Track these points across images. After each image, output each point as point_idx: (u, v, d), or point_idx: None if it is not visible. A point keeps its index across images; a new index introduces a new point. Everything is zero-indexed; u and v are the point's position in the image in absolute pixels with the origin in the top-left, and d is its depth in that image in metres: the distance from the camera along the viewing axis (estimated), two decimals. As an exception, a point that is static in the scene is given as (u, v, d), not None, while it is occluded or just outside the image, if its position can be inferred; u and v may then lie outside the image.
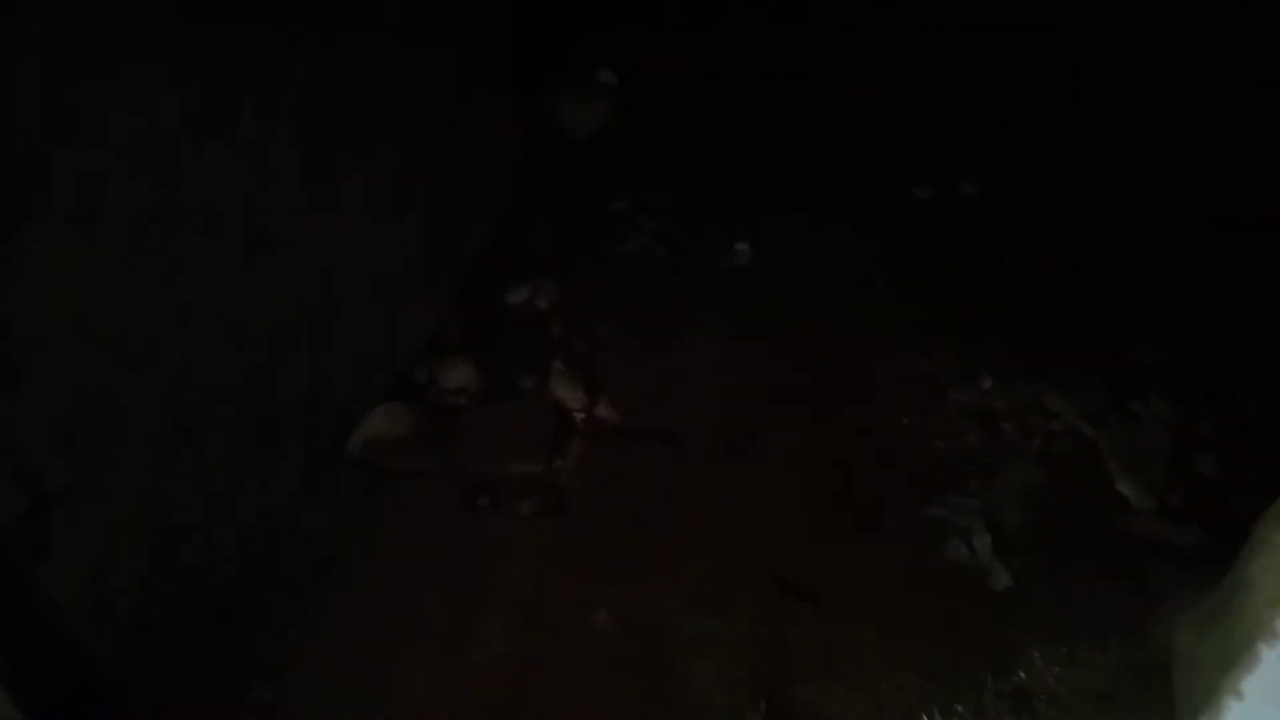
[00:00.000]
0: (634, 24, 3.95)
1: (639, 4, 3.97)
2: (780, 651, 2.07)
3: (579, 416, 2.75)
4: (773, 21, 3.98)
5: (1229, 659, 1.46)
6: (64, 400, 1.77)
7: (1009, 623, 2.08)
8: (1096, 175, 3.35)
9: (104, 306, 1.80)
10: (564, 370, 2.85)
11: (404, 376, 2.86)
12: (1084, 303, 2.90)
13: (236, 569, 2.27)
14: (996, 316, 2.89)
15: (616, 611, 2.17)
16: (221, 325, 2.11)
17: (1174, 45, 3.53)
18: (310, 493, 2.49)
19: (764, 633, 2.11)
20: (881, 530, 2.33)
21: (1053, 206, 3.25)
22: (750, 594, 2.19)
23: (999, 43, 3.71)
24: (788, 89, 3.75)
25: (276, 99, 2.17)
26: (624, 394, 2.79)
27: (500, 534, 2.40)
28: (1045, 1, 3.79)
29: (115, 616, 1.97)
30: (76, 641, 1.91)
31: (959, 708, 1.94)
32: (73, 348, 1.76)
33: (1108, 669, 1.97)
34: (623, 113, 3.79)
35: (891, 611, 2.12)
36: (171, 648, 2.07)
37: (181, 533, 2.12)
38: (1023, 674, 1.98)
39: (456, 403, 2.81)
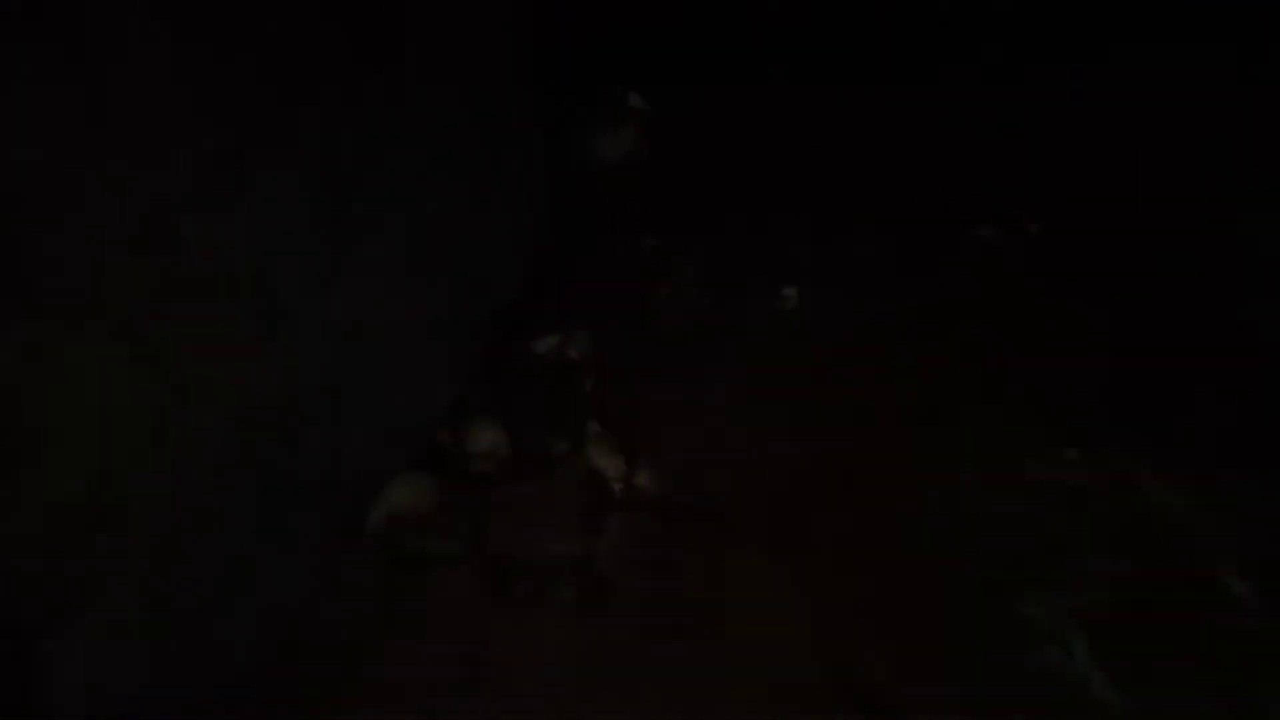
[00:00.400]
0: (661, 46, 3.68)
1: (666, 27, 3.70)
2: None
3: (617, 487, 2.51)
4: (813, 48, 3.71)
5: None
6: (59, 503, 1.57)
7: (1118, 750, 1.85)
8: (1167, 205, 3.09)
9: (101, 398, 1.59)
10: (600, 433, 2.63)
11: (428, 440, 2.64)
12: (1171, 362, 2.64)
13: (246, 666, 2.06)
14: (1074, 377, 2.64)
15: (671, 730, 1.93)
16: (230, 404, 1.90)
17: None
18: (327, 579, 2.28)
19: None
20: (962, 631, 2.09)
21: (1126, 246, 3.00)
22: (823, 711, 1.95)
23: (1051, 69, 3.44)
24: (833, 118, 3.49)
25: (288, 156, 1.95)
26: (665, 461, 2.56)
27: (536, 629, 2.17)
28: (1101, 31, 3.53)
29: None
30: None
31: None
32: (67, 445, 1.57)
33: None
34: (652, 140, 3.54)
35: (984, 733, 1.89)
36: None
37: (186, 631, 1.91)
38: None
39: (484, 470, 2.58)
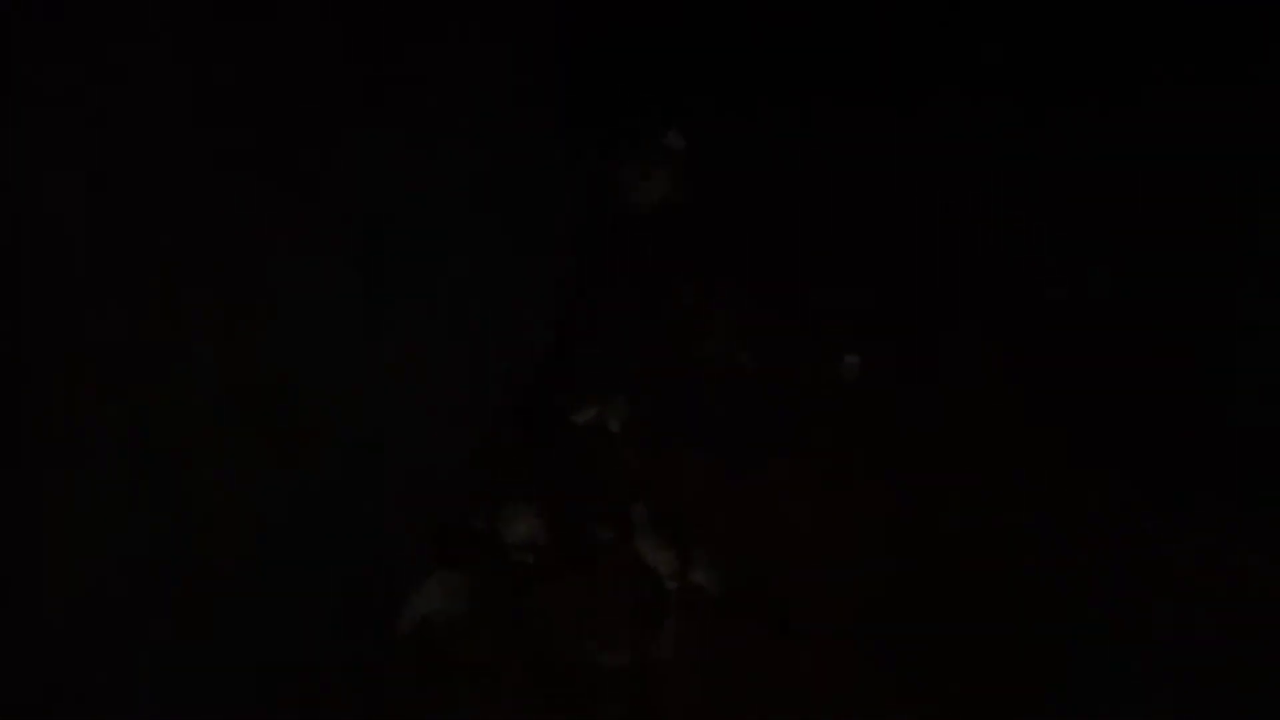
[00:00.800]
0: (700, 82, 3.42)
1: (705, 64, 3.43)
2: None
3: (671, 585, 2.32)
4: (864, 84, 3.42)
5: None
6: (48, 668, 1.36)
7: None
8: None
9: (94, 552, 1.38)
10: (647, 520, 2.43)
11: (460, 527, 2.43)
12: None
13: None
14: (1168, 445, 2.42)
15: None
16: (243, 525, 1.69)
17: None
18: (354, 696, 2.09)
19: None
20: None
21: (1214, 306, 2.76)
22: None
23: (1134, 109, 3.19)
24: (887, 158, 3.23)
25: (313, 237, 1.73)
26: (721, 553, 2.35)
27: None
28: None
29: None
30: None
31: None
32: (62, 586, 1.35)
33: None
34: (691, 182, 3.30)
35: None
36: None
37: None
38: None
39: (522, 562, 2.39)
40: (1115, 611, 2.14)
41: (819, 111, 3.31)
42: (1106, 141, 3.14)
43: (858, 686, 2.08)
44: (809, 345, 2.80)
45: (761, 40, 3.40)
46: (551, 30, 2.78)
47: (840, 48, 3.35)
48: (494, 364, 2.59)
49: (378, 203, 1.94)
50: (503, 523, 2.45)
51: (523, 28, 2.60)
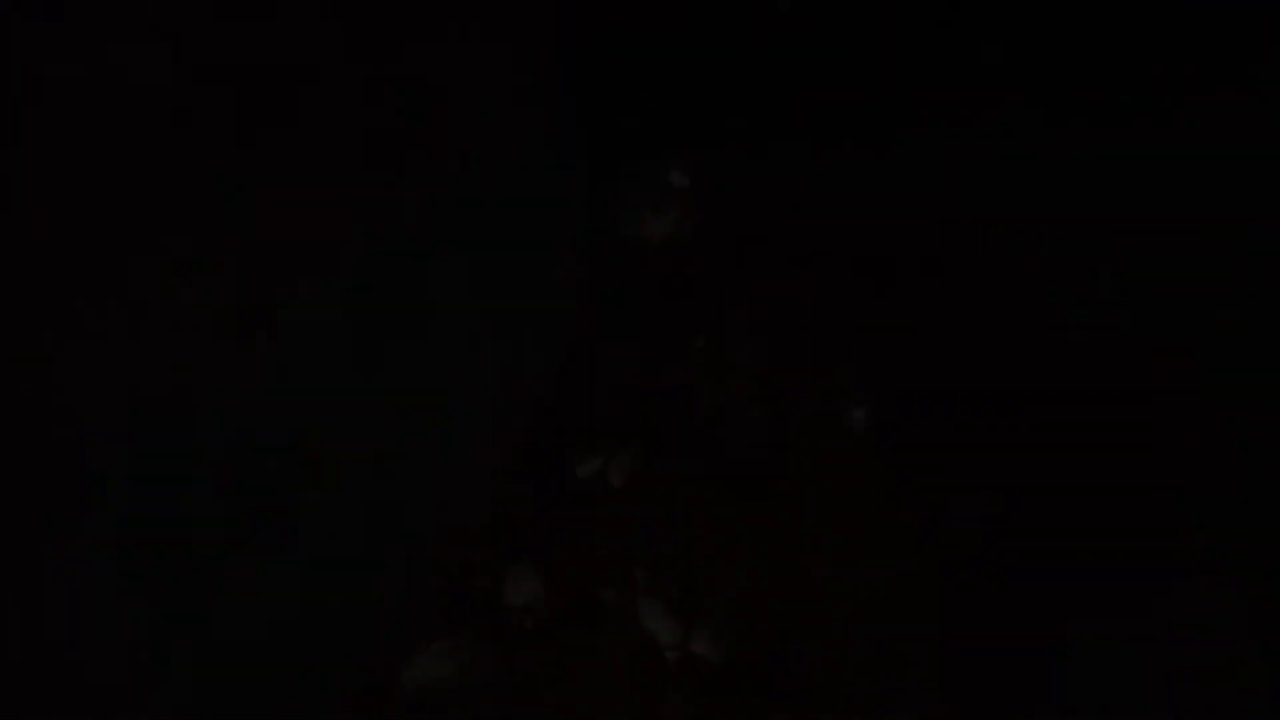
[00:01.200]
0: (708, 116, 3.34)
1: (712, 98, 3.36)
2: None
3: (672, 655, 2.19)
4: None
5: None
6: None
7: None
8: None
9: (92, 650, 1.27)
10: (648, 583, 2.32)
11: (462, 585, 2.35)
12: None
13: None
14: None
15: None
16: (246, 611, 1.60)
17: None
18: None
19: None
20: None
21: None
22: None
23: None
24: (906, 190, 3.11)
25: (321, 294, 1.63)
26: (726, 620, 2.25)
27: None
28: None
29: None
30: None
31: None
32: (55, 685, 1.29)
33: None
34: (698, 221, 3.22)
35: None
36: None
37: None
38: None
39: (522, 626, 2.29)
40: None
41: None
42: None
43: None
44: (817, 391, 2.69)
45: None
46: (553, 52, 2.72)
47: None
48: (500, 414, 2.52)
49: (391, 277, 1.86)
50: (505, 583, 2.36)
51: (524, 40, 2.53)
